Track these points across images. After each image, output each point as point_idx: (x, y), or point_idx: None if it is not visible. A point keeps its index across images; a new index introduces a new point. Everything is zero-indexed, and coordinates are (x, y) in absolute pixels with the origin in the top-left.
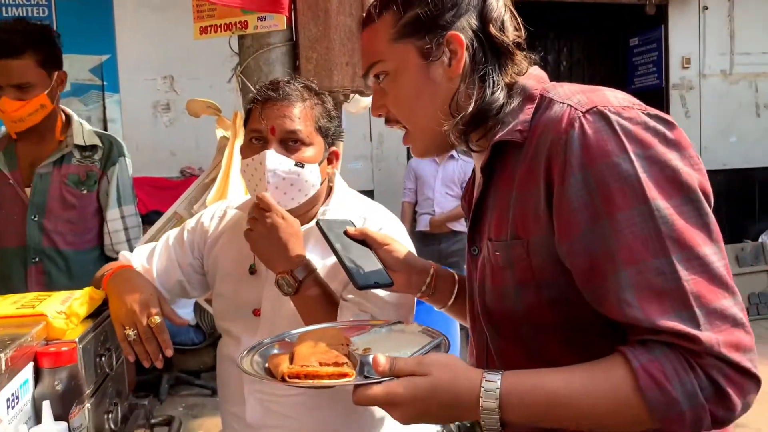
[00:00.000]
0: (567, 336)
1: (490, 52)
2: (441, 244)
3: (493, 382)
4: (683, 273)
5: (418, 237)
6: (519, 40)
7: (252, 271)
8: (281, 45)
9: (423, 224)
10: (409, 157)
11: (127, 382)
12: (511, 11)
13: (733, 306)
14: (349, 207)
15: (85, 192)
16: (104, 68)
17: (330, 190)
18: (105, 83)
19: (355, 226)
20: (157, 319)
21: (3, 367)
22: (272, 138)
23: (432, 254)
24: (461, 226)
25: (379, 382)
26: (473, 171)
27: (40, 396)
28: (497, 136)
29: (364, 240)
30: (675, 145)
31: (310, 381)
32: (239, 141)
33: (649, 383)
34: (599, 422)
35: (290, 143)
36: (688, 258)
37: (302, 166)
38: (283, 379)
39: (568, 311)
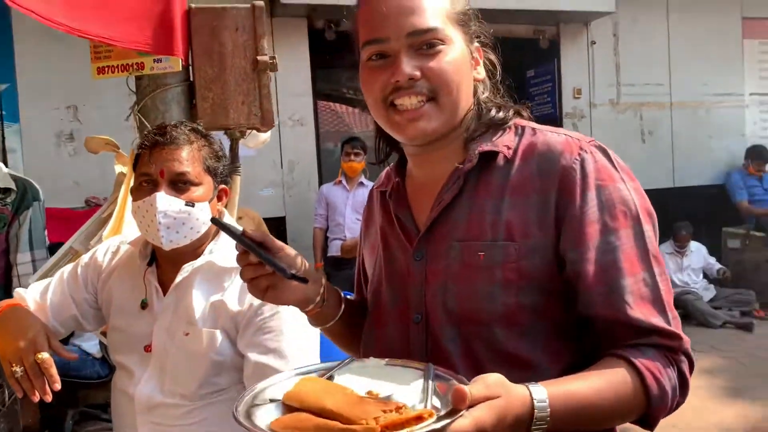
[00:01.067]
0: (533, 337)
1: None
2: (352, 269)
3: (541, 393)
4: (660, 284)
5: (329, 262)
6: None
7: (143, 305)
8: (178, 85)
9: (334, 249)
10: (320, 183)
11: (22, 419)
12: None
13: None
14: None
15: None
16: (3, 98)
17: None
18: (4, 113)
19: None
20: (45, 355)
21: None
22: (162, 181)
23: (344, 279)
24: None
25: (461, 416)
26: (397, 183)
27: None
28: (487, 147)
29: (261, 243)
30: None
31: (408, 429)
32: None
33: (652, 381)
34: (612, 418)
35: (180, 184)
36: (660, 272)
37: (192, 206)
38: None
39: (540, 314)
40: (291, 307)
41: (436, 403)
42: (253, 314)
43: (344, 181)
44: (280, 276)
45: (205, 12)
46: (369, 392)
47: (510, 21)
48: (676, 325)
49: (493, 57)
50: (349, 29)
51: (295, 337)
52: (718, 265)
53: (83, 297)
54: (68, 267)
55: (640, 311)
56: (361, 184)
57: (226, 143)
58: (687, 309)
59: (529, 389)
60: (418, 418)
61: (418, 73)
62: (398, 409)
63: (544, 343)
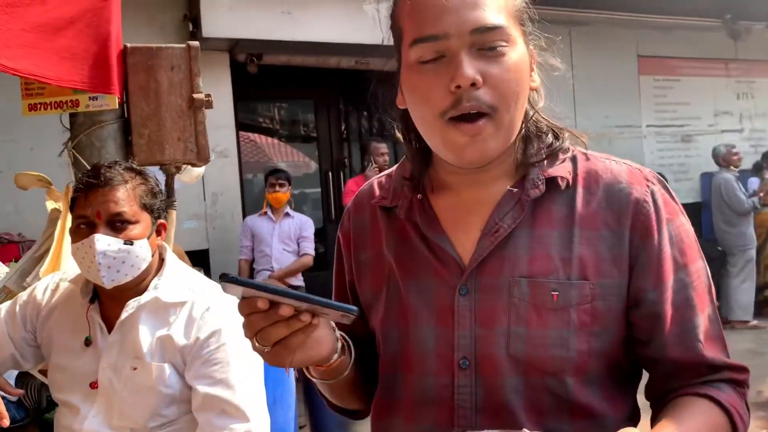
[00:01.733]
0: (599, 385)
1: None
2: None
3: None
4: (719, 320)
5: None
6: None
7: (87, 342)
8: (113, 122)
9: (262, 280)
10: (244, 214)
11: None
12: None
13: None
14: (179, 280)
15: None
16: None
17: (162, 262)
18: None
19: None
20: None
21: None
22: (99, 222)
23: None
24: (299, 280)
25: None
26: (420, 201)
27: None
28: (554, 173)
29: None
30: None
31: None
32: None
33: (738, 419)
34: None
35: (117, 224)
36: (716, 308)
37: (131, 244)
38: None
39: (609, 360)
40: (235, 337)
41: None
42: (199, 347)
43: (269, 212)
44: (310, 329)
45: (141, 51)
46: None
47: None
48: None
49: (554, 62)
50: (393, 26)
51: (241, 368)
52: None
53: (21, 336)
54: (5, 306)
55: (712, 350)
56: (287, 214)
57: (161, 178)
58: None
59: None
60: None
61: (480, 78)
62: None
63: (608, 391)
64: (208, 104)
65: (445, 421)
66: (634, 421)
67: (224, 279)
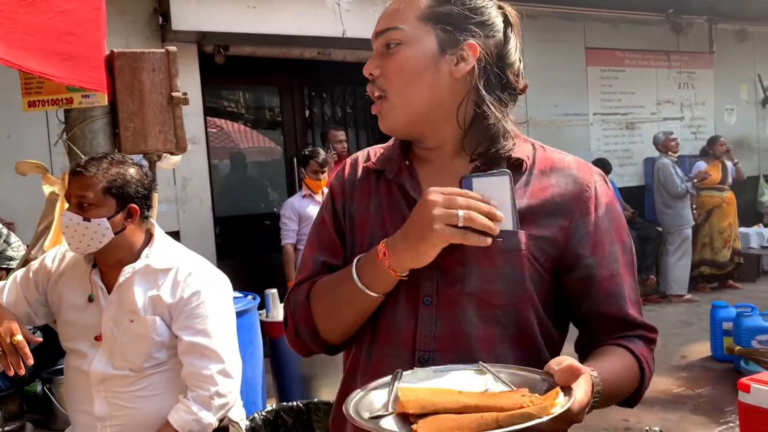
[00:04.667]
0: (540, 321)
1: (498, 82)
2: None
3: (595, 372)
4: (638, 290)
5: None
6: (526, 84)
7: (90, 299)
8: (103, 117)
9: None
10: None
11: None
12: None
13: None
14: (166, 250)
15: None
16: None
17: (151, 236)
18: None
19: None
20: (19, 338)
21: None
22: (72, 202)
23: None
24: None
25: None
26: (408, 167)
27: None
28: (514, 154)
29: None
30: None
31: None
32: None
33: (645, 365)
34: (622, 395)
35: (84, 205)
36: (636, 281)
37: (89, 221)
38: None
39: (546, 301)
40: (213, 296)
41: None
42: (183, 304)
43: (313, 195)
44: None
45: (126, 55)
46: (460, 392)
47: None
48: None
49: (511, 49)
50: None
51: (217, 320)
52: None
53: (35, 297)
54: (20, 272)
55: (633, 310)
56: None
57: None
58: None
59: (588, 368)
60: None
61: (376, 71)
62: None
63: (546, 329)
64: (185, 101)
65: (409, 345)
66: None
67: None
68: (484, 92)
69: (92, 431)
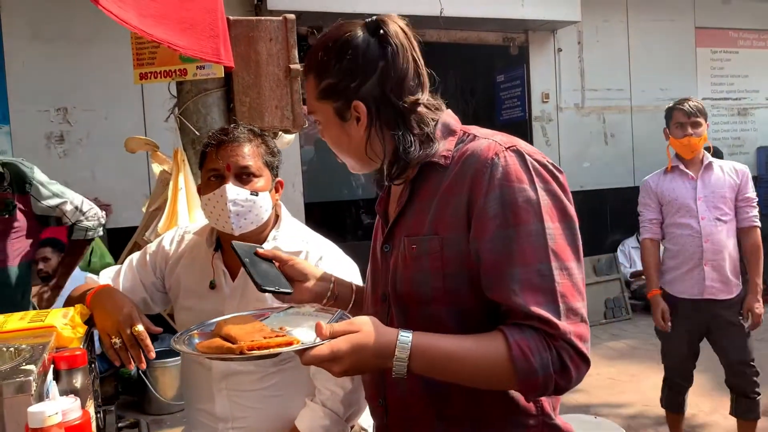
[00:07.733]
0: (460, 318)
1: (393, 112)
2: None
3: (406, 337)
4: (556, 277)
5: None
6: (417, 98)
7: (212, 286)
8: (217, 90)
9: None
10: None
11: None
12: (415, 63)
13: (583, 308)
14: (294, 232)
15: (6, 216)
16: None
17: (277, 217)
18: None
19: (263, 249)
20: (140, 327)
21: (40, 369)
22: (228, 174)
23: None
24: None
25: (322, 344)
26: (387, 188)
27: (62, 393)
28: (426, 159)
29: (271, 259)
30: (562, 185)
31: (267, 350)
32: (182, 175)
33: (518, 354)
34: (479, 379)
35: (244, 177)
36: (561, 267)
37: (256, 195)
38: (241, 353)
39: (463, 298)
40: None
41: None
42: None
43: (681, 166)
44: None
45: (242, 23)
46: (281, 328)
47: (481, 28)
48: (566, 316)
49: (399, 65)
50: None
51: None
52: None
53: (152, 281)
54: (136, 255)
55: (524, 298)
56: (709, 165)
57: None
58: None
59: (398, 331)
60: (287, 344)
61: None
62: (278, 336)
63: (470, 323)
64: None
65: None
66: None
67: (231, 246)
68: (384, 131)
69: None
